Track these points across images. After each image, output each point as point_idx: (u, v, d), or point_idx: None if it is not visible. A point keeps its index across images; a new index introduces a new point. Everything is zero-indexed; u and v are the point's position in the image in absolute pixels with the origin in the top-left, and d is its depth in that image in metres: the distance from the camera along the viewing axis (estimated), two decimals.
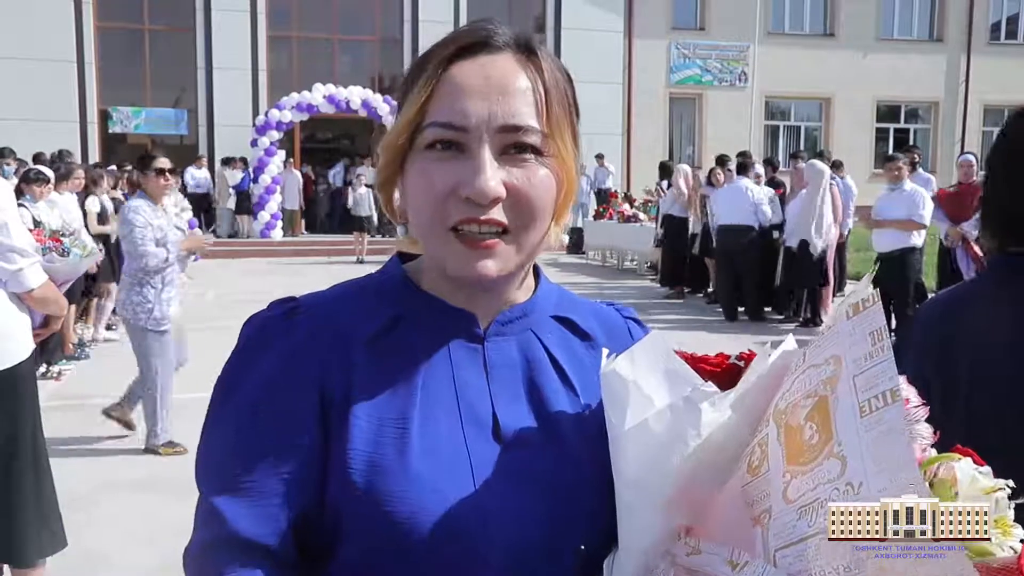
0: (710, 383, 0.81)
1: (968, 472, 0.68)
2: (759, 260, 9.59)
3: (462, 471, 0.80)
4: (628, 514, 0.81)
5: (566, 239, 15.52)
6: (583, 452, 0.84)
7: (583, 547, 0.82)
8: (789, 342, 0.81)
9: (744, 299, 9.76)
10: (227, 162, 17.47)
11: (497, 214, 0.79)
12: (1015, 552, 0.65)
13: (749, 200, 9.57)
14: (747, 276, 9.64)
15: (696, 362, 0.86)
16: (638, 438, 0.79)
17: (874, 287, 0.71)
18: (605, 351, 0.89)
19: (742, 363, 0.87)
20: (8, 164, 8.27)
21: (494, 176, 0.78)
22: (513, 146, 0.80)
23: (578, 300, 0.98)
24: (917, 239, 8.04)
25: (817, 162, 9.30)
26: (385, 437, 0.79)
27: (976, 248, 7.87)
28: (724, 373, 0.86)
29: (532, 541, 0.80)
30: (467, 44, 0.82)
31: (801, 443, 0.70)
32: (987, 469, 0.70)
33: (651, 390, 0.81)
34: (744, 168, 9.94)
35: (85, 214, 8.11)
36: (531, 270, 0.91)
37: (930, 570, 0.63)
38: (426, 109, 0.80)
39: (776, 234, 9.74)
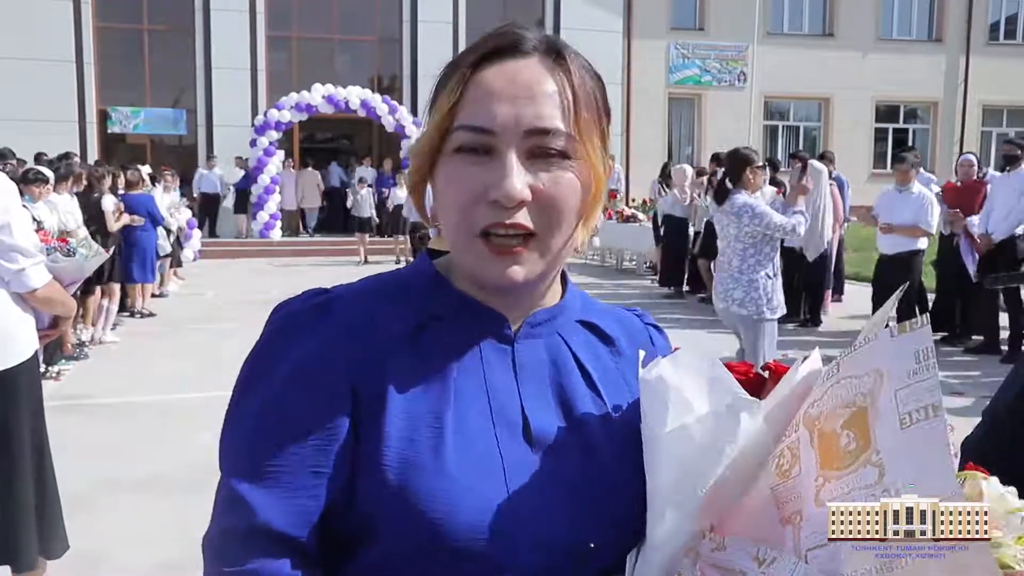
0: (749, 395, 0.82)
1: (996, 491, 0.70)
2: None
3: (495, 472, 0.80)
4: (659, 517, 0.81)
5: (596, 241, 15.39)
6: (611, 456, 0.86)
7: (592, 545, 0.82)
8: (815, 357, 0.83)
9: None
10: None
11: (523, 218, 0.80)
12: None
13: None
14: None
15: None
16: (676, 443, 0.80)
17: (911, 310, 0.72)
18: (642, 353, 0.91)
19: (766, 373, 0.88)
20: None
21: (520, 179, 0.79)
22: (540, 149, 0.80)
23: (601, 305, 0.99)
24: (922, 242, 8.04)
25: (815, 162, 9.30)
26: (420, 435, 0.79)
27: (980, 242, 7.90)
28: (748, 383, 0.87)
29: (560, 543, 0.80)
30: (495, 48, 0.83)
31: (837, 449, 0.72)
32: (1012, 489, 0.72)
33: (693, 396, 0.82)
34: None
35: (102, 213, 8.16)
36: (559, 274, 0.92)
37: (961, 574, 0.64)
38: (455, 113, 0.81)
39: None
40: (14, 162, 8.03)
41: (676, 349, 0.88)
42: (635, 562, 0.84)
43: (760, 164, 5.25)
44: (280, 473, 0.78)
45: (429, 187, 0.87)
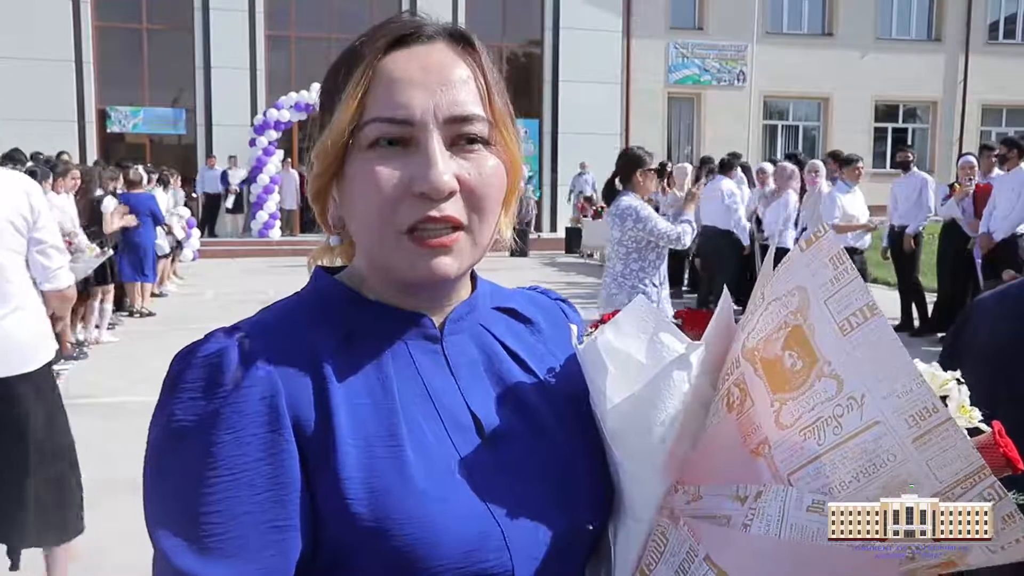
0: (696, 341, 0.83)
1: (924, 369, 0.71)
2: (733, 261, 9.28)
3: (462, 477, 0.76)
4: (632, 482, 0.81)
5: (509, 234, 15.14)
6: (564, 434, 0.84)
7: (590, 527, 0.81)
8: (726, 298, 0.84)
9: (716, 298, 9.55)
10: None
11: (452, 210, 0.76)
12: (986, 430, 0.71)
13: (722, 201, 9.27)
14: (720, 276, 9.15)
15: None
16: (635, 404, 0.80)
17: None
18: (574, 327, 0.90)
19: (679, 321, 0.90)
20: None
21: (447, 169, 0.75)
22: (461, 138, 0.77)
23: (510, 290, 0.97)
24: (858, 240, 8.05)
25: (813, 162, 9.26)
26: (378, 459, 0.73)
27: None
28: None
29: (547, 532, 0.78)
30: (399, 36, 0.78)
31: (783, 371, 0.72)
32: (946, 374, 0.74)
33: (642, 354, 0.81)
34: (726, 167, 9.72)
35: (100, 215, 8.15)
36: None
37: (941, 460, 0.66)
38: (364, 105, 0.76)
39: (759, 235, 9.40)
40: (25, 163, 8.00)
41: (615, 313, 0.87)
42: (616, 535, 0.83)
43: (652, 167, 4.95)
44: (235, 537, 0.69)
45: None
